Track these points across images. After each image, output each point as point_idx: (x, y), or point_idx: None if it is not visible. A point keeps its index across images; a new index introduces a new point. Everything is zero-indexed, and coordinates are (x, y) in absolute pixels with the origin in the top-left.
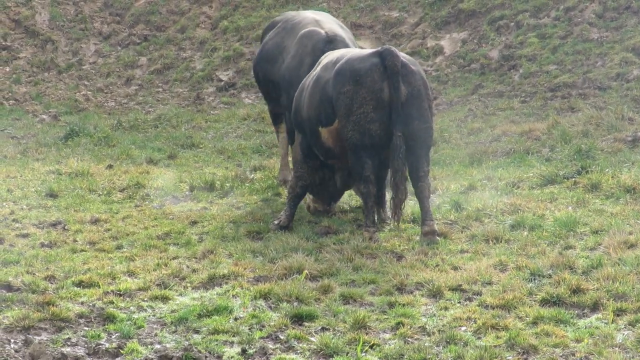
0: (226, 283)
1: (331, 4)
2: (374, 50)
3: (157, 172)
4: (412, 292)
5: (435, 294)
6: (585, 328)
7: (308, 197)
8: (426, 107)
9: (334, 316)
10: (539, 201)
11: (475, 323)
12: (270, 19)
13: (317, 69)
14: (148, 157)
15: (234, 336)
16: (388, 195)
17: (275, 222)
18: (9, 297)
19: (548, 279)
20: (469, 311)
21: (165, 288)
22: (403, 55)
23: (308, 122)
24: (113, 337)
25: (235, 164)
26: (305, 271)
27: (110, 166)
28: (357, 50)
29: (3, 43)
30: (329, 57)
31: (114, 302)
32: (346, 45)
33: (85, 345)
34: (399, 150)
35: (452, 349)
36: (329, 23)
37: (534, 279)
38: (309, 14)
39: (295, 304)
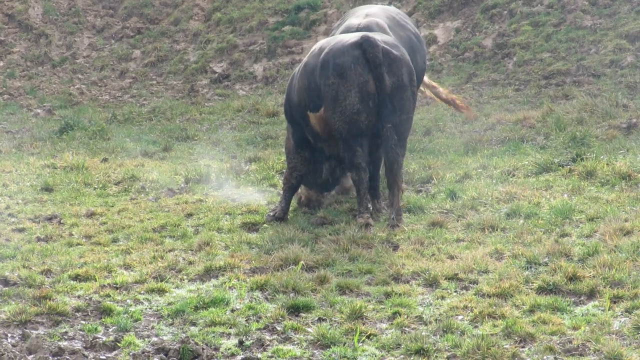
0: (222, 275)
1: None
2: (354, 40)
3: (152, 165)
4: (408, 282)
5: (432, 283)
6: (582, 315)
7: (301, 188)
8: (408, 97)
9: (331, 307)
10: (534, 189)
11: (472, 312)
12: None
13: (307, 55)
14: (143, 150)
15: (230, 328)
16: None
17: (271, 213)
18: (5, 292)
19: (544, 267)
20: (466, 300)
21: (161, 281)
22: (385, 41)
23: (298, 106)
24: (110, 330)
25: (230, 156)
26: (302, 262)
27: (105, 159)
28: (340, 38)
29: None
30: (319, 43)
31: (110, 296)
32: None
33: (83, 339)
34: (391, 141)
35: (449, 338)
36: (374, 15)
37: (530, 267)
38: (364, 7)
39: (292, 295)
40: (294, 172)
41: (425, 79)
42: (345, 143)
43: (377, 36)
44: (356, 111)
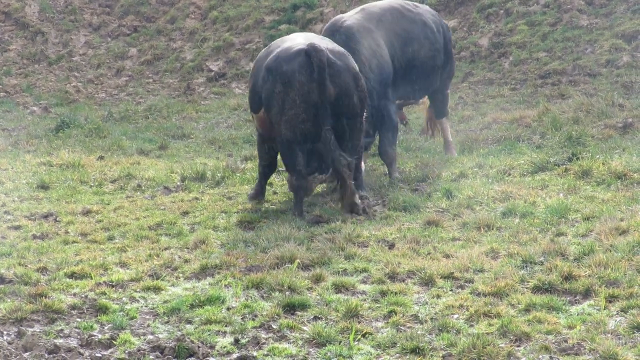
0: (218, 273)
1: None
2: (300, 47)
3: (148, 163)
4: (404, 281)
5: (427, 282)
6: (578, 315)
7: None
8: (355, 103)
9: (326, 305)
10: (530, 188)
11: (468, 311)
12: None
13: (260, 52)
14: (139, 148)
15: (226, 326)
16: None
17: (250, 192)
18: (1, 289)
19: (540, 266)
20: (461, 299)
21: (157, 279)
22: (331, 49)
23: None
24: (106, 328)
25: (226, 154)
26: (297, 260)
27: (101, 157)
28: (289, 43)
29: None
30: (275, 42)
31: (106, 293)
32: None
33: (78, 337)
34: (329, 142)
35: (444, 337)
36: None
37: (526, 266)
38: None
39: (288, 293)
40: (260, 161)
41: None
42: (288, 149)
43: (323, 43)
44: (302, 120)
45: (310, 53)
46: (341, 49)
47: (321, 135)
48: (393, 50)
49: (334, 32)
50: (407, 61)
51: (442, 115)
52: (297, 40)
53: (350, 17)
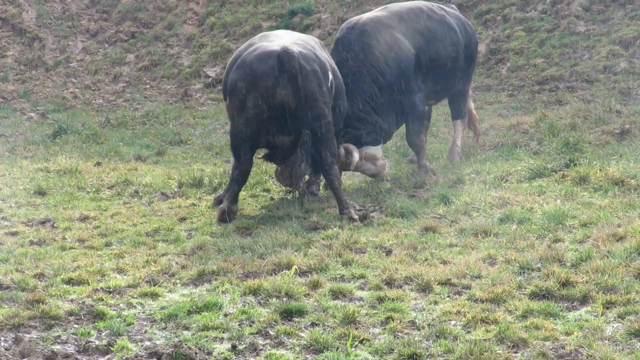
0: (215, 279)
1: (318, 0)
2: (273, 48)
3: (146, 169)
4: (401, 287)
5: (425, 288)
6: (575, 321)
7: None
8: (321, 106)
9: (324, 311)
10: (527, 194)
11: (465, 317)
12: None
13: (243, 45)
14: (136, 154)
15: (223, 332)
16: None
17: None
18: None
19: (537, 272)
20: (459, 305)
21: (154, 285)
22: (304, 54)
23: None
24: (103, 334)
25: (224, 160)
26: (295, 266)
27: (98, 163)
28: (266, 43)
29: None
30: (257, 37)
31: (103, 299)
32: None
33: (75, 343)
34: (306, 145)
35: (441, 343)
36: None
37: (523, 273)
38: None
39: (285, 299)
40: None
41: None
42: (238, 142)
43: (297, 48)
44: (262, 120)
45: (282, 58)
46: (311, 53)
47: (300, 138)
48: (418, 45)
49: (349, 29)
50: (430, 60)
51: (458, 116)
52: (278, 40)
53: (370, 14)
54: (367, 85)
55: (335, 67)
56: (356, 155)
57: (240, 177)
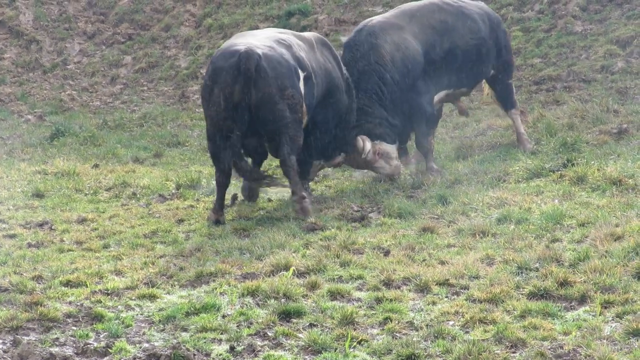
0: (213, 281)
1: (315, 0)
2: (237, 48)
3: (143, 171)
4: (399, 287)
5: (423, 289)
6: (573, 321)
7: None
8: (280, 108)
9: (322, 312)
10: (525, 194)
11: (463, 317)
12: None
13: None
14: (134, 155)
15: (222, 334)
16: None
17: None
18: None
19: (535, 272)
20: (457, 305)
21: (152, 286)
22: (269, 55)
23: None
24: (101, 336)
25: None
26: (293, 268)
27: (96, 165)
28: (240, 40)
29: None
30: (239, 35)
31: (101, 302)
32: None
33: (74, 345)
34: (234, 146)
35: (440, 344)
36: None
37: (521, 273)
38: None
39: (283, 300)
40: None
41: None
42: (211, 143)
43: (261, 48)
44: (222, 117)
45: (242, 57)
46: (278, 54)
47: (233, 138)
48: (429, 42)
49: (359, 30)
50: (446, 51)
51: (508, 106)
52: (249, 39)
53: (381, 16)
54: (372, 81)
55: (330, 66)
56: (368, 145)
57: (220, 179)
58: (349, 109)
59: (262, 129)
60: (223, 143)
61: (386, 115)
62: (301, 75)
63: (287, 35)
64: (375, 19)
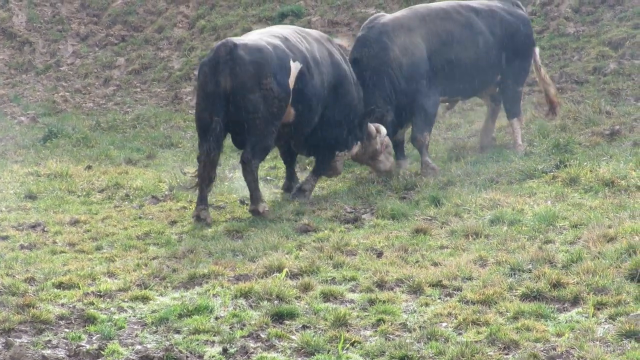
0: (206, 282)
1: (308, 2)
2: (227, 39)
3: (136, 172)
4: (392, 289)
5: (416, 290)
6: (566, 322)
7: None
8: (254, 98)
9: (315, 314)
10: (518, 196)
11: (456, 319)
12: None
13: None
14: (127, 157)
15: (215, 335)
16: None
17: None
18: None
19: (528, 274)
20: (450, 307)
21: (145, 288)
22: (250, 45)
23: None
24: (94, 338)
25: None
26: (286, 269)
27: (89, 167)
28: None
29: None
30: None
31: (94, 303)
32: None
33: (66, 347)
34: (212, 132)
35: (433, 345)
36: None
37: (514, 274)
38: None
39: (276, 302)
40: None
41: (544, 74)
42: (198, 135)
43: (242, 39)
44: (201, 109)
45: (219, 47)
46: (265, 46)
47: (213, 127)
48: (434, 48)
49: (370, 28)
50: (446, 61)
51: (512, 115)
52: (248, 34)
53: (392, 14)
54: (384, 84)
55: (338, 59)
56: (383, 130)
57: (199, 170)
58: (358, 98)
59: (237, 118)
60: (204, 134)
61: (393, 117)
62: (293, 66)
63: (288, 30)
64: (387, 16)
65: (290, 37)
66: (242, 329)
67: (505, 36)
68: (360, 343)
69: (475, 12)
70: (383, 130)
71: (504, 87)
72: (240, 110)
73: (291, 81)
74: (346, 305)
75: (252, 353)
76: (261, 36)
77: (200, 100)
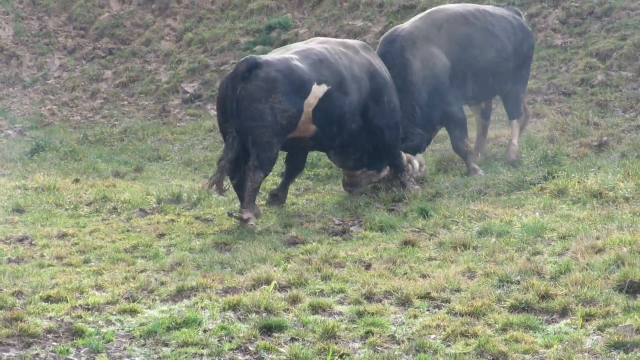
0: (195, 295)
1: (295, 14)
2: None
3: (124, 185)
4: (380, 301)
5: (404, 302)
6: (555, 334)
7: None
8: (260, 108)
9: (303, 326)
10: (506, 207)
11: (445, 330)
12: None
13: None
14: (114, 170)
15: (203, 348)
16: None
17: None
18: None
19: (516, 285)
20: (438, 319)
21: (133, 301)
22: (267, 61)
23: None
24: (82, 352)
25: (202, 176)
26: (274, 282)
27: (76, 180)
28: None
29: None
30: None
31: (82, 317)
32: None
33: None
34: (227, 142)
35: (421, 357)
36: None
37: (503, 286)
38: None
39: (264, 314)
40: None
41: None
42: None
43: (266, 58)
44: (220, 122)
45: (241, 62)
46: (285, 62)
47: (231, 139)
48: (454, 55)
49: (391, 42)
50: (466, 66)
51: (513, 116)
52: (287, 52)
53: (411, 24)
54: (408, 102)
55: (371, 71)
56: (416, 162)
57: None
58: (398, 114)
59: (244, 127)
60: (225, 144)
61: (420, 131)
62: (316, 89)
63: (328, 46)
64: (406, 28)
65: (328, 56)
66: (230, 341)
67: (515, 42)
68: (348, 355)
69: (492, 17)
70: (416, 164)
71: (508, 91)
72: (246, 116)
73: (310, 103)
74: (335, 318)
75: None
76: (292, 55)
77: (219, 114)
